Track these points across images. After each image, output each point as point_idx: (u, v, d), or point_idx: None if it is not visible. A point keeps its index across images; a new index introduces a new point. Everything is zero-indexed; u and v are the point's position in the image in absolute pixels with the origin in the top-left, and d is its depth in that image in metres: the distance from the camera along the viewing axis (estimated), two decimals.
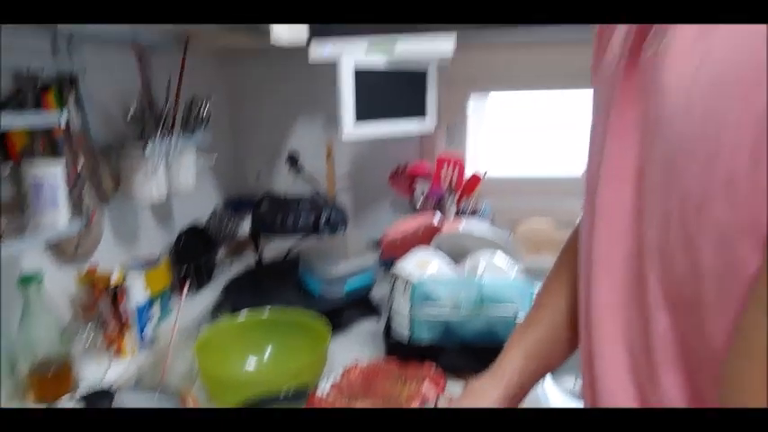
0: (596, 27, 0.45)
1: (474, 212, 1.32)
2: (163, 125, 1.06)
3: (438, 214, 1.23)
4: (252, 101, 1.54)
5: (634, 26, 0.37)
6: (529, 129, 1.50)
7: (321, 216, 1.14)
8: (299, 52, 1.16)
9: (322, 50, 1.15)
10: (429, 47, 1.14)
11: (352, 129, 1.17)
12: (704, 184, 0.26)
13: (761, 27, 0.24)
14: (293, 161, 1.52)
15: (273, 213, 1.18)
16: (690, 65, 0.28)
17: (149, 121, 1.05)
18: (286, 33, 1.16)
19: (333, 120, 1.49)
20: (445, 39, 1.12)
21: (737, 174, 0.24)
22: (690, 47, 0.29)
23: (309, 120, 1.53)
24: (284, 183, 1.56)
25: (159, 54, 1.17)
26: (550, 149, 1.48)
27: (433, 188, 1.32)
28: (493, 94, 1.48)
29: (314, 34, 1.15)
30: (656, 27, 0.34)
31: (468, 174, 1.32)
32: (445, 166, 1.30)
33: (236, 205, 1.51)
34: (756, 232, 0.23)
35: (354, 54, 1.15)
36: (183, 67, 1.15)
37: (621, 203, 0.34)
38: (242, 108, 1.55)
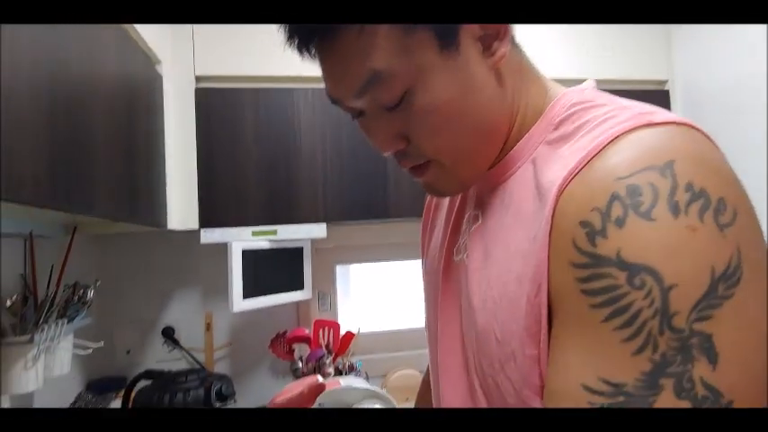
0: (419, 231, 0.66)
1: (351, 369, 1.47)
2: (45, 313, 1.06)
3: (319, 376, 1.36)
4: (123, 278, 1.56)
5: (447, 235, 0.54)
6: (387, 291, 1.78)
7: (211, 389, 1.19)
8: (172, 233, 1.30)
9: (212, 235, 1.31)
10: (306, 231, 1.38)
11: (241, 303, 1.29)
12: (500, 356, 0.41)
13: (522, 261, 0.40)
14: (169, 334, 1.54)
15: (158, 391, 1.18)
16: (481, 279, 0.44)
17: (30, 311, 1.05)
18: (178, 221, 1.30)
19: (211, 293, 1.59)
20: (318, 225, 1.38)
21: (516, 350, 0.39)
22: (480, 265, 0.45)
23: (186, 293, 1.60)
24: (156, 357, 1.54)
25: (43, 241, 1.20)
26: (406, 307, 1.76)
27: (313, 350, 1.46)
28: (354, 266, 1.75)
29: (203, 222, 1.32)
30: (460, 241, 0.51)
31: (342, 332, 1.50)
32: (322, 329, 1.47)
33: (100, 387, 1.42)
34: (532, 384, 0.39)
35: (241, 237, 1.33)
36: (67, 256, 1.19)
37: (454, 355, 0.50)
38: (112, 286, 1.55)
